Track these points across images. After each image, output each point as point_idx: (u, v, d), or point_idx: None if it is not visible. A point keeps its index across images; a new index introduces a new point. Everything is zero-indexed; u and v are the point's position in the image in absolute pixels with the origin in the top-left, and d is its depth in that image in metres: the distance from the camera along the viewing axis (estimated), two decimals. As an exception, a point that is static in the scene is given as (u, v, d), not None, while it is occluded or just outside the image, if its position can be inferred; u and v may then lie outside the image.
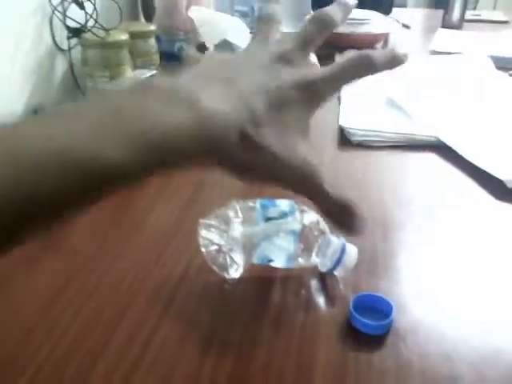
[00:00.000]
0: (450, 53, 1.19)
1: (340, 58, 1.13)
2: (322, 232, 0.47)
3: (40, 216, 0.25)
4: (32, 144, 0.24)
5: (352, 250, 0.47)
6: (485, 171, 0.67)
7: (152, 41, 0.89)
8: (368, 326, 0.42)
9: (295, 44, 0.34)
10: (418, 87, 0.95)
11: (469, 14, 1.56)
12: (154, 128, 0.27)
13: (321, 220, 0.48)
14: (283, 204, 0.47)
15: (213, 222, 0.48)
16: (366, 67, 0.34)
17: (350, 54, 0.35)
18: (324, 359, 0.40)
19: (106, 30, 0.80)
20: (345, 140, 0.78)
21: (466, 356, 0.41)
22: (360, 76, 0.34)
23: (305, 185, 0.33)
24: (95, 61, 0.79)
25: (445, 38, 1.34)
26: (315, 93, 0.33)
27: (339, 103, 0.89)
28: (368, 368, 0.40)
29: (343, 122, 0.81)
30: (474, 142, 0.75)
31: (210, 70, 0.32)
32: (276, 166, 0.31)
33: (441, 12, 1.52)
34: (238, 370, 0.40)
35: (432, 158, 0.74)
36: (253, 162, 0.31)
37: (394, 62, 0.35)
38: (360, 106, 0.88)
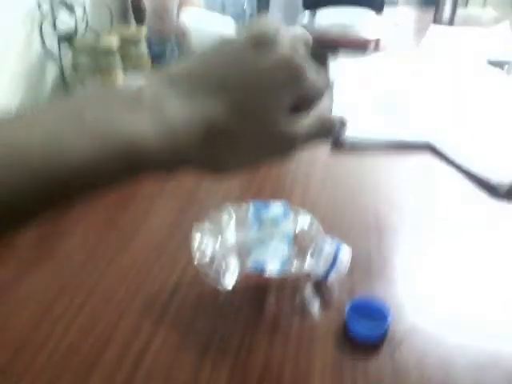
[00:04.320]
0: (441, 51, 1.19)
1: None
2: (316, 235, 0.47)
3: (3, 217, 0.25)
4: None
5: (346, 254, 0.47)
6: (477, 175, 0.67)
7: (143, 45, 0.88)
8: (364, 331, 0.42)
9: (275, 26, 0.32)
10: (411, 89, 0.95)
11: (459, 12, 1.56)
12: (117, 134, 0.26)
13: (314, 223, 0.48)
14: (277, 207, 0.47)
15: (206, 227, 0.48)
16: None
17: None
18: (320, 366, 0.40)
19: (97, 35, 0.79)
20: (338, 143, 0.77)
21: (462, 362, 0.40)
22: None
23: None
24: (86, 66, 0.79)
25: (436, 35, 1.33)
26: (297, 73, 0.31)
27: (332, 109, 0.89)
28: (364, 375, 0.39)
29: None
30: (466, 145, 0.75)
31: (178, 68, 0.31)
32: (255, 148, 0.31)
33: (432, 10, 1.52)
34: (235, 378, 0.39)
35: (425, 161, 0.73)
36: (226, 154, 0.30)
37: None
38: (353, 110, 0.88)
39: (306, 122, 0.34)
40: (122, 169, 0.27)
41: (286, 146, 0.33)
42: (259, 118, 0.31)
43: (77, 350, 0.42)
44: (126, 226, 0.58)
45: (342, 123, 0.36)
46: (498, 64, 1.09)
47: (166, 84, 0.30)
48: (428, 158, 0.74)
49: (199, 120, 0.29)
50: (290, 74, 0.31)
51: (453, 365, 0.40)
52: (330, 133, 0.35)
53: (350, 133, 0.78)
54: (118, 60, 0.81)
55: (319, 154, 0.75)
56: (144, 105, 0.28)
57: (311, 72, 0.32)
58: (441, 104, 0.89)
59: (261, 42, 0.31)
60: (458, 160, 0.71)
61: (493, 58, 1.11)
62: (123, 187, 0.28)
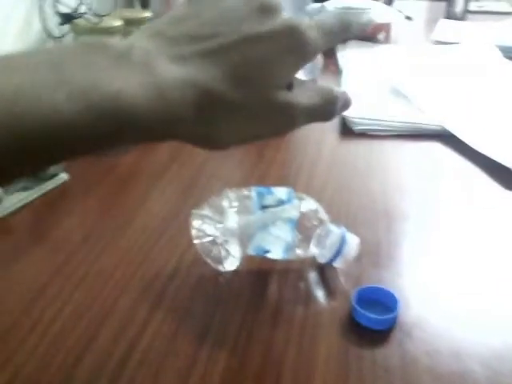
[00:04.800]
0: (453, 43, 1.16)
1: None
2: (321, 221, 0.45)
3: None
4: None
5: (353, 241, 0.45)
6: (491, 160, 0.65)
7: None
8: (372, 320, 0.40)
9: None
10: (423, 76, 0.92)
11: (472, 6, 1.52)
12: (101, 91, 0.23)
13: (320, 208, 0.45)
14: (280, 191, 0.45)
15: (206, 213, 0.45)
16: (348, 33, 0.33)
17: (337, 17, 0.32)
18: (325, 356, 0.38)
19: (100, 17, 0.77)
20: (346, 129, 0.75)
21: (475, 351, 0.38)
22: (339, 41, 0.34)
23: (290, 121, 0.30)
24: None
25: (448, 28, 1.31)
26: (300, 40, 0.29)
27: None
28: (371, 365, 0.37)
29: (344, 111, 0.78)
30: (480, 130, 0.73)
31: (173, 27, 0.28)
32: (252, 119, 0.28)
33: (444, 4, 1.48)
34: (233, 365, 0.37)
35: (436, 147, 0.71)
36: (221, 125, 0.28)
37: (364, 29, 0.35)
38: (362, 94, 0.85)
39: (306, 93, 0.31)
40: (105, 130, 0.24)
41: (286, 118, 0.30)
42: (260, 87, 0.28)
43: (69, 332, 0.40)
44: (125, 208, 0.56)
45: (345, 99, 0.34)
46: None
47: (158, 43, 0.27)
48: (437, 145, 0.71)
49: (192, 84, 0.26)
50: (296, 41, 0.29)
51: (465, 354, 0.38)
52: (333, 106, 0.32)
53: (360, 118, 0.75)
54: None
55: (326, 140, 0.72)
56: (133, 63, 0.25)
57: (318, 43, 0.30)
58: (454, 92, 0.86)
59: (266, 7, 0.29)
60: (473, 145, 0.69)
61: (508, 50, 1.08)
62: (109, 154, 0.26)
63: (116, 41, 0.26)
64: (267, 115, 0.29)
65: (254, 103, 0.28)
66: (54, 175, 0.60)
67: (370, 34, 1.18)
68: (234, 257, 0.45)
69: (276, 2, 0.30)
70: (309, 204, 0.45)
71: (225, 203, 0.45)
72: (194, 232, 0.46)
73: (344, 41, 0.32)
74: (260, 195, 0.44)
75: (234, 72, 0.27)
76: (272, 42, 0.28)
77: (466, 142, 0.70)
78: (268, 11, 0.29)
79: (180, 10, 0.30)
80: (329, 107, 0.32)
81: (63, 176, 0.61)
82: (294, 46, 0.29)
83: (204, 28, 0.28)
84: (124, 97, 0.24)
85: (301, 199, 0.45)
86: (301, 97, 0.30)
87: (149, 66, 0.25)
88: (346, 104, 0.34)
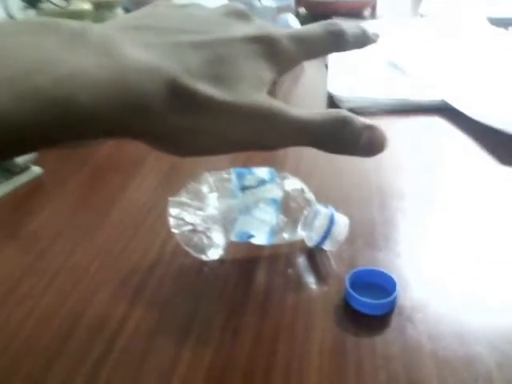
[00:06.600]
0: (442, 15, 1.13)
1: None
2: (308, 202, 0.41)
3: None
4: None
5: (342, 221, 0.42)
6: (492, 134, 0.61)
7: (119, 11, 0.82)
8: (368, 305, 0.36)
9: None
10: (417, 49, 0.88)
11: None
12: (44, 71, 0.19)
13: (305, 188, 0.42)
14: (261, 171, 0.41)
15: (184, 199, 0.42)
16: (337, 44, 0.31)
17: (322, 26, 0.30)
18: (319, 346, 0.35)
19: (67, 0, 0.73)
20: (334, 107, 0.71)
21: (482, 334, 0.35)
22: (325, 52, 0.31)
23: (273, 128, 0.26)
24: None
25: (435, 1, 1.27)
26: (274, 47, 0.27)
27: (327, 67, 0.83)
28: (371, 353, 0.34)
29: (332, 88, 0.74)
30: (479, 100, 0.69)
31: (138, 19, 0.26)
32: (227, 120, 0.25)
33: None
34: (219, 362, 0.34)
35: (433, 121, 0.67)
36: (192, 125, 0.24)
37: (365, 41, 0.33)
38: (351, 70, 0.81)
39: (308, 111, 0.28)
40: (50, 122, 0.20)
41: (266, 125, 0.26)
42: (232, 84, 0.25)
43: (40, 333, 0.37)
44: (101, 200, 0.53)
45: (373, 135, 0.30)
46: (502, 24, 1.03)
47: (120, 29, 0.24)
48: (436, 119, 0.68)
49: (159, 71, 0.23)
50: (269, 47, 0.27)
51: (472, 337, 0.35)
52: (335, 127, 0.28)
53: (349, 95, 0.72)
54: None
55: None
56: (89, 42, 0.21)
57: (292, 51, 0.29)
58: (451, 63, 0.82)
59: (238, 13, 0.29)
60: (474, 115, 0.65)
61: (498, 22, 1.05)
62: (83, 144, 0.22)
63: (70, 21, 0.22)
64: (241, 117, 0.25)
65: (226, 101, 0.25)
66: (25, 168, 0.56)
67: (356, 11, 1.15)
68: (217, 245, 0.42)
69: (247, 11, 0.29)
70: (293, 183, 0.41)
71: (204, 188, 0.42)
72: (172, 221, 0.43)
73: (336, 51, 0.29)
74: (240, 176, 0.41)
75: (205, 67, 0.25)
76: (245, 44, 0.27)
77: (466, 113, 0.66)
78: (241, 17, 0.28)
79: (145, 9, 0.27)
80: (329, 127, 0.28)
81: (36, 169, 0.57)
82: (267, 51, 0.27)
83: (173, 23, 0.26)
84: (76, 81, 0.20)
85: (283, 178, 0.41)
86: (294, 109, 0.27)
87: (108, 47, 0.22)
88: (373, 140, 0.30)
